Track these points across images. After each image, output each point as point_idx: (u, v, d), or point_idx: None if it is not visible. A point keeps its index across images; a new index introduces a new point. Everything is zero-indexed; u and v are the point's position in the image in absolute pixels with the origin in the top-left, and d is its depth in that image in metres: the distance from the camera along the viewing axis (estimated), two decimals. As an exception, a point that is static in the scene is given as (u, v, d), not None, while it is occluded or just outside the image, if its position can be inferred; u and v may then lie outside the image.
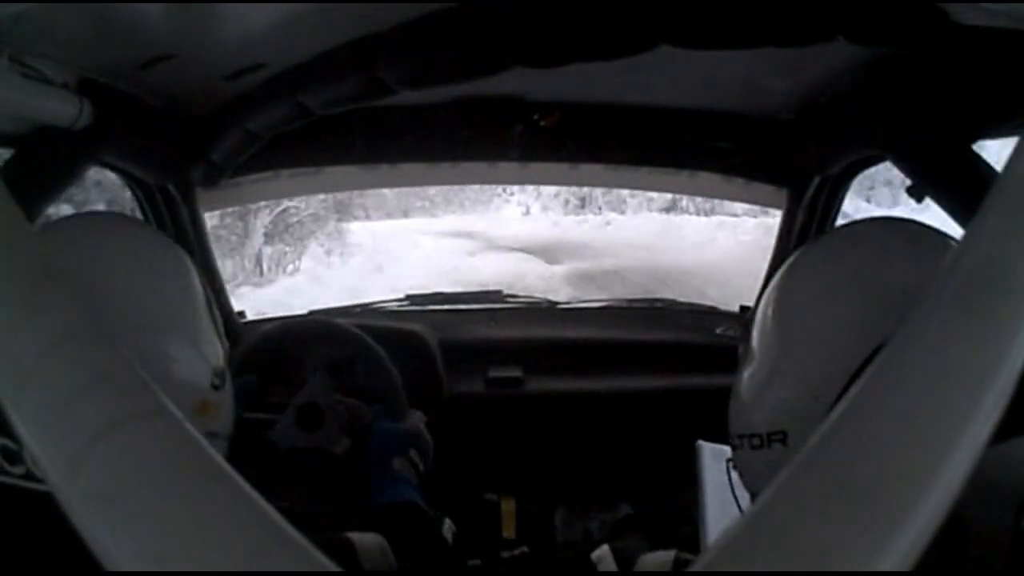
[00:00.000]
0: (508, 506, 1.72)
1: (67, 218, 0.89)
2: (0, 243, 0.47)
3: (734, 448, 0.81)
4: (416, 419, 1.31)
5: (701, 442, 1.32)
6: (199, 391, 0.83)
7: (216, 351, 0.88)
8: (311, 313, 1.88)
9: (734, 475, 0.87)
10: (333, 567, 0.32)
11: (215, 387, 0.86)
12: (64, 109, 1.00)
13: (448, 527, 1.30)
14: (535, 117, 1.44)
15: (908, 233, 0.74)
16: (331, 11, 0.95)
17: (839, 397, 0.64)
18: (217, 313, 0.91)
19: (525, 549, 1.67)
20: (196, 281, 0.89)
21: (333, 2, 0.92)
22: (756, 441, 0.75)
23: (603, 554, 1.17)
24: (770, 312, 0.78)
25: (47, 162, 1.06)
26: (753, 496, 0.82)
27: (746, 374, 0.79)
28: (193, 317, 0.86)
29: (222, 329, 0.92)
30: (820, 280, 0.76)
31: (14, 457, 0.63)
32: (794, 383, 0.71)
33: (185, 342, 0.83)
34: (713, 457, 1.30)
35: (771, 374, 0.74)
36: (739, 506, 0.91)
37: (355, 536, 0.89)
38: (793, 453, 0.69)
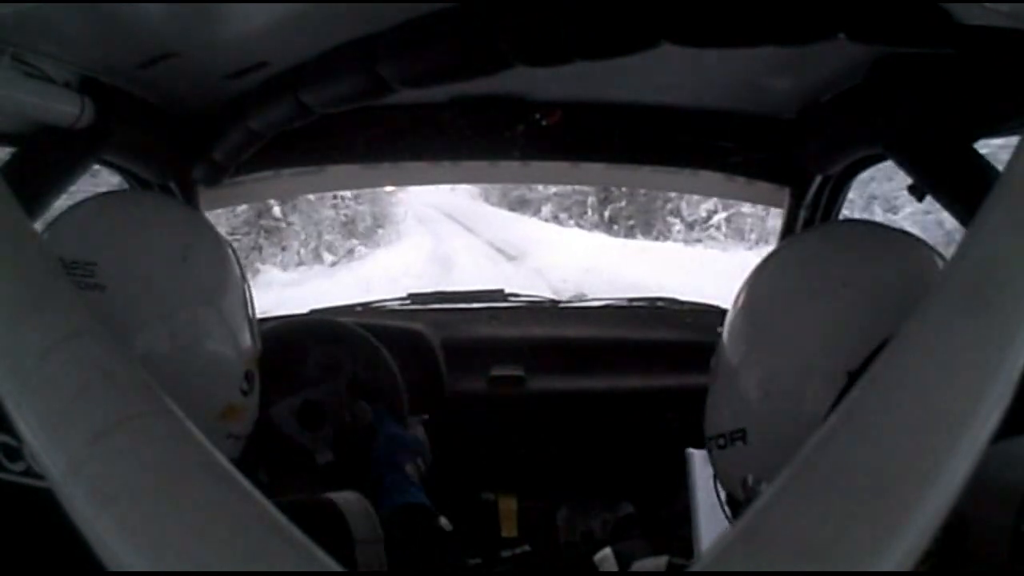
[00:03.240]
0: (509, 505, 1.72)
1: (102, 195, 0.86)
2: (2, 242, 0.47)
3: (709, 452, 0.84)
4: (419, 428, 1.32)
5: (691, 449, 1.32)
6: (228, 396, 0.80)
7: (248, 351, 0.84)
8: (312, 312, 1.88)
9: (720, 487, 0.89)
10: (335, 566, 0.32)
11: (244, 392, 0.83)
12: (66, 108, 1.00)
13: (444, 525, 1.30)
14: (536, 116, 1.44)
15: (872, 235, 0.78)
16: (332, 10, 0.95)
17: (792, 393, 0.68)
18: (253, 309, 0.88)
19: (526, 548, 1.67)
20: (236, 271, 0.85)
21: (334, 1, 0.92)
22: (721, 441, 0.79)
23: (605, 556, 1.17)
24: (733, 317, 0.82)
25: (49, 161, 1.06)
26: (729, 498, 0.84)
27: (714, 378, 0.83)
28: (230, 314, 0.82)
29: (256, 327, 0.88)
30: (774, 285, 0.80)
31: (14, 454, 0.63)
32: (749, 381, 0.75)
33: (219, 342, 0.80)
34: (704, 463, 1.30)
35: (731, 375, 0.78)
36: (726, 515, 0.92)
37: (336, 497, 0.86)
38: (755, 449, 0.73)
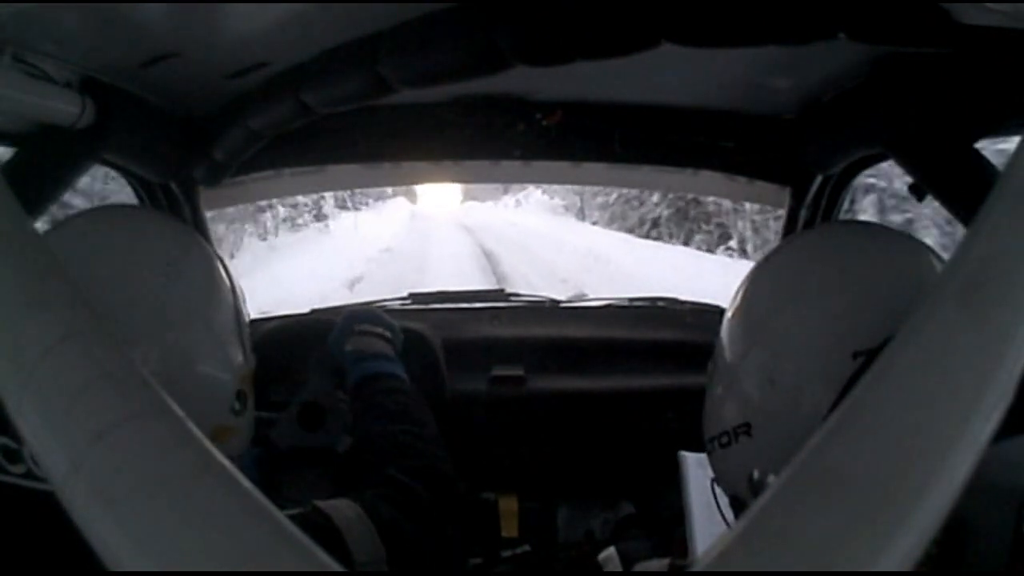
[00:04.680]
0: (510, 505, 1.71)
1: (89, 211, 0.85)
2: (2, 242, 0.47)
3: (710, 454, 0.85)
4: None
5: (683, 452, 1.33)
6: (216, 417, 0.78)
7: (240, 370, 0.82)
8: (313, 311, 1.89)
9: (718, 490, 0.89)
10: (336, 566, 0.32)
11: (235, 412, 0.80)
12: (66, 107, 1.00)
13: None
14: (537, 116, 1.44)
15: (873, 235, 0.80)
16: (333, 10, 0.95)
17: (797, 385, 0.69)
18: (246, 324, 0.85)
19: (527, 548, 1.67)
20: (225, 286, 0.83)
21: (335, 1, 0.92)
22: (724, 439, 0.80)
23: (610, 556, 1.17)
24: (734, 315, 0.83)
25: (49, 161, 1.06)
26: (732, 500, 0.85)
27: (713, 379, 0.84)
28: (219, 334, 0.79)
29: (249, 342, 0.86)
30: (777, 283, 0.81)
31: (14, 456, 0.63)
32: (752, 376, 0.76)
33: (207, 363, 0.77)
34: (697, 465, 1.30)
35: (733, 372, 0.79)
36: (725, 520, 0.92)
37: (331, 510, 0.77)
38: (759, 443, 0.73)
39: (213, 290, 0.81)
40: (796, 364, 0.71)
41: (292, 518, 0.34)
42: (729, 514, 0.92)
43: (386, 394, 1.02)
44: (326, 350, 1.22)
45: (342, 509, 0.79)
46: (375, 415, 0.98)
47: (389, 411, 0.98)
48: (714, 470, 0.86)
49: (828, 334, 0.69)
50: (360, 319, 1.16)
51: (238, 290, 0.86)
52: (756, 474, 0.74)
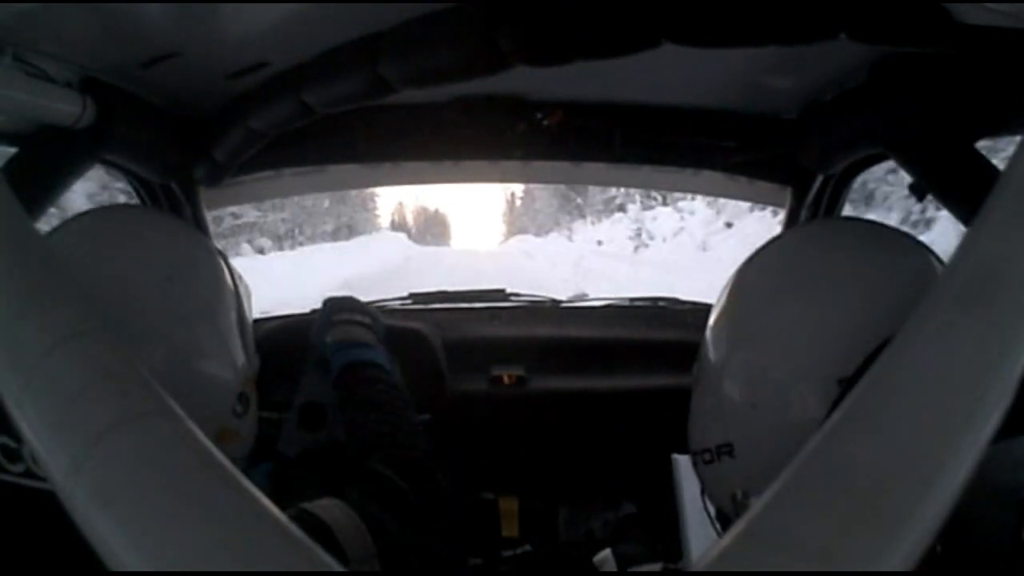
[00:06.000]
0: (510, 505, 1.71)
1: (94, 211, 0.84)
2: (3, 242, 0.47)
3: (695, 466, 0.82)
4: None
5: (676, 455, 1.32)
6: (218, 420, 0.77)
7: (242, 372, 0.81)
8: (313, 312, 1.88)
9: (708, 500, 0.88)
10: (336, 566, 0.32)
11: (237, 414, 0.79)
12: (67, 108, 1.01)
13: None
14: (538, 116, 1.44)
15: (868, 233, 0.77)
16: (333, 10, 0.95)
17: (782, 404, 0.67)
18: (249, 325, 0.85)
19: (527, 548, 1.67)
20: (229, 288, 0.82)
21: (335, 1, 0.92)
22: (707, 456, 0.77)
23: (605, 558, 1.17)
24: (716, 320, 0.80)
25: (50, 161, 1.06)
26: (718, 513, 0.83)
27: (697, 388, 0.81)
28: (220, 335, 0.78)
29: (252, 344, 0.85)
30: (761, 285, 0.78)
31: (13, 455, 0.63)
32: (735, 392, 0.72)
33: (208, 365, 0.76)
34: (691, 468, 1.30)
35: (715, 385, 0.76)
36: (716, 529, 0.90)
37: (318, 510, 0.74)
38: (743, 464, 0.71)
39: (214, 293, 0.80)
40: (781, 384, 0.68)
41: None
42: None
43: (367, 383, 1.00)
44: (315, 347, 1.21)
45: (330, 509, 0.76)
46: (356, 404, 0.97)
47: (370, 400, 0.97)
48: (701, 482, 0.84)
49: (815, 353, 0.66)
50: (340, 308, 1.15)
51: (242, 291, 0.86)
52: (739, 495, 0.71)
